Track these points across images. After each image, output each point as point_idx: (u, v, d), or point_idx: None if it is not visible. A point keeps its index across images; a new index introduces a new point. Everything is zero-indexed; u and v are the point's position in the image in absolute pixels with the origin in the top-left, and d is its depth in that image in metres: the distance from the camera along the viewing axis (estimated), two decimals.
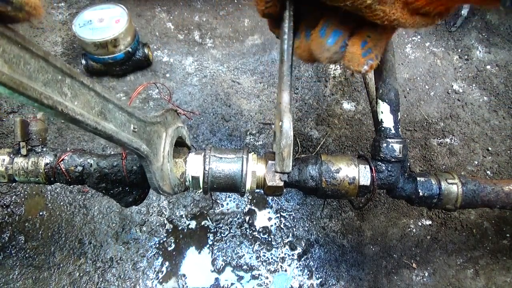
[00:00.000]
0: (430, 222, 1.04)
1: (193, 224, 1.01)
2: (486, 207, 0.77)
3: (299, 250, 0.99)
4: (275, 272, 0.97)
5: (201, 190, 0.65)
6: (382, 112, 0.71)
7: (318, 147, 1.10)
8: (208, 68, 1.22)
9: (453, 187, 0.72)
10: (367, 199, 0.72)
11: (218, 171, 0.63)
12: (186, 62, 1.23)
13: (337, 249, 1.00)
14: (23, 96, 0.32)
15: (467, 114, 1.18)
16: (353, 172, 0.66)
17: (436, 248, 1.01)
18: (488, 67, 1.26)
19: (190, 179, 0.64)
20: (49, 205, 1.00)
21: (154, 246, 0.98)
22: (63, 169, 0.65)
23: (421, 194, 0.72)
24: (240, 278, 0.96)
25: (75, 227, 0.98)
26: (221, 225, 1.01)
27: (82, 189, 1.02)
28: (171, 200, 1.02)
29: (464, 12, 1.27)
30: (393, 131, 0.70)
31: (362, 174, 0.66)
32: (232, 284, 0.95)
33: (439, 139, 1.14)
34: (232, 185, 0.64)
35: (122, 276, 0.94)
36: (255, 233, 1.00)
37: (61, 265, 0.94)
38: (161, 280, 0.94)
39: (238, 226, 1.01)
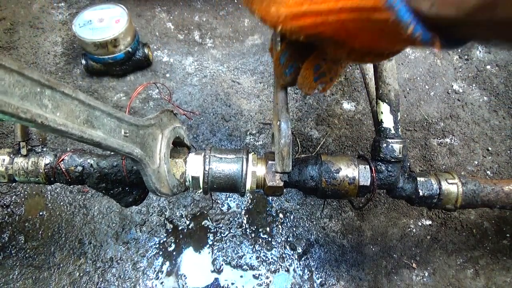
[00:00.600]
0: (430, 222, 1.04)
1: (193, 224, 1.01)
2: (486, 207, 0.77)
3: (299, 250, 0.99)
4: (275, 272, 0.97)
5: (201, 190, 0.65)
6: (382, 112, 0.71)
7: (318, 147, 1.10)
8: (208, 68, 1.22)
9: (453, 187, 0.72)
10: (367, 199, 0.72)
11: (218, 171, 0.63)
12: (186, 62, 1.23)
13: (337, 249, 1.00)
14: None
15: (467, 114, 1.18)
16: (353, 172, 0.66)
17: (436, 248, 1.01)
18: (488, 67, 1.26)
19: (190, 179, 0.64)
20: (49, 205, 1.00)
21: (154, 246, 0.98)
22: (63, 169, 0.66)
23: (421, 194, 0.72)
24: (240, 278, 0.96)
25: (75, 227, 0.98)
26: (221, 225, 1.01)
27: (82, 189, 1.02)
28: (171, 200, 1.02)
29: None
30: (393, 131, 0.70)
31: (362, 174, 0.66)
32: (232, 284, 0.95)
33: (439, 139, 1.14)
34: (232, 185, 0.64)
35: (122, 276, 0.94)
36: (255, 233, 1.01)
37: (61, 265, 0.94)
38: (161, 280, 0.94)
39: (238, 226, 1.01)
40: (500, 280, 0.97)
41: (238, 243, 0.99)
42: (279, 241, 1.00)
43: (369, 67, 0.85)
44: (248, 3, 0.42)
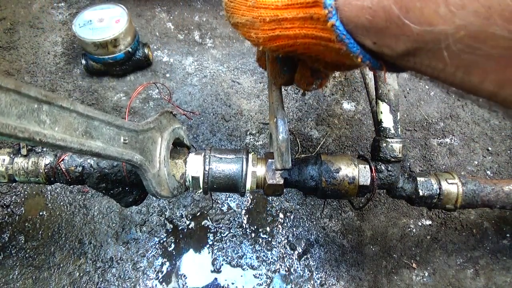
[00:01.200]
0: (430, 222, 1.04)
1: (193, 224, 1.01)
2: (486, 207, 0.77)
3: (299, 250, 0.99)
4: (275, 272, 0.97)
5: (201, 190, 0.65)
6: (381, 112, 0.71)
7: (318, 147, 1.10)
8: (208, 68, 1.22)
9: (453, 187, 0.72)
10: (367, 199, 0.72)
11: (218, 171, 0.63)
12: (186, 62, 1.23)
13: (337, 249, 1.00)
14: None
15: (467, 114, 1.18)
16: (353, 172, 0.66)
17: (436, 248, 1.01)
18: None
19: (190, 179, 0.64)
20: (49, 205, 1.00)
21: (154, 246, 0.98)
22: (63, 169, 0.66)
23: (421, 194, 0.72)
24: (240, 277, 0.96)
25: (75, 227, 0.99)
26: (221, 225, 1.01)
27: (82, 189, 1.02)
28: (171, 200, 1.03)
29: None
30: (392, 131, 0.70)
31: (362, 174, 0.66)
32: (232, 283, 0.95)
33: (439, 139, 1.14)
34: (232, 186, 0.64)
35: (122, 276, 0.94)
36: (255, 233, 1.01)
37: (61, 265, 0.94)
38: (161, 280, 0.94)
39: (238, 226, 1.01)
40: (500, 280, 0.97)
41: (238, 243, 0.99)
42: (279, 241, 1.00)
43: None
44: (235, 27, 0.48)
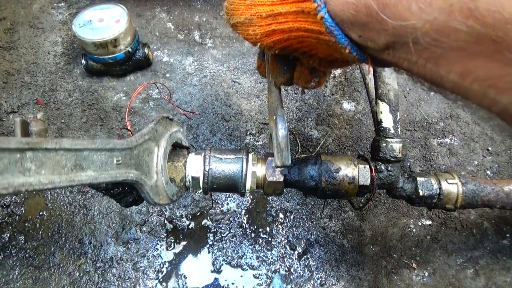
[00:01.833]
0: (430, 222, 1.04)
1: (193, 224, 1.01)
2: (486, 207, 0.77)
3: (299, 250, 0.99)
4: (275, 272, 0.97)
5: (201, 190, 0.65)
6: (381, 112, 0.71)
7: (318, 147, 1.10)
8: (208, 68, 1.22)
9: (453, 187, 0.72)
10: (367, 199, 0.72)
11: (218, 171, 0.63)
12: (186, 62, 1.23)
13: (337, 249, 1.00)
14: None
15: (467, 114, 1.18)
16: (352, 172, 0.66)
17: (436, 248, 1.01)
18: None
19: (190, 180, 0.64)
20: (49, 205, 1.00)
21: (154, 246, 0.98)
22: None
23: (421, 194, 0.72)
24: (240, 278, 0.96)
25: (75, 227, 0.99)
26: (221, 225, 1.01)
27: (82, 189, 1.02)
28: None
29: None
30: (392, 131, 0.70)
31: (361, 174, 0.66)
32: (232, 283, 0.95)
33: (439, 139, 1.14)
34: (232, 186, 0.64)
35: (122, 276, 0.94)
36: (255, 233, 1.01)
37: (61, 265, 0.94)
38: (161, 280, 0.94)
39: (238, 226, 1.01)
40: (500, 280, 0.97)
41: (238, 243, 0.99)
42: (279, 241, 1.00)
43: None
44: (234, 28, 0.51)
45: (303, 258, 0.99)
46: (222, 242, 0.99)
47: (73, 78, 1.17)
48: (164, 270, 0.95)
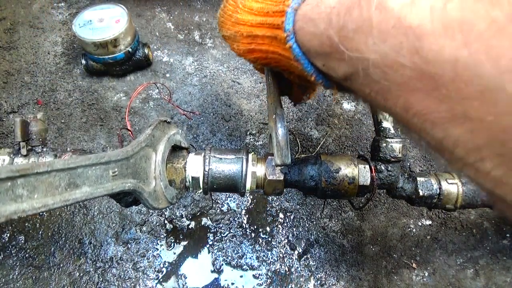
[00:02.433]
0: (430, 222, 1.04)
1: (193, 224, 1.01)
2: (486, 207, 0.77)
3: (299, 250, 0.99)
4: (275, 272, 0.97)
5: (201, 190, 0.65)
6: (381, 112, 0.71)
7: (318, 147, 1.10)
8: (208, 68, 1.22)
9: (453, 187, 0.72)
10: (367, 199, 0.72)
11: (218, 171, 0.63)
12: (186, 62, 1.23)
13: (337, 249, 1.00)
14: None
15: None
16: (352, 172, 0.66)
17: (436, 248, 1.01)
18: None
19: (190, 180, 0.64)
20: None
21: (154, 246, 0.98)
22: None
23: (421, 194, 0.72)
24: (240, 278, 0.96)
25: (75, 227, 0.99)
26: (221, 225, 1.01)
27: None
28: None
29: None
30: (392, 131, 0.70)
31: (361, 174, 0.66)
32: (232, 284, 0.95)
33: None
34: (232, 186, 0.64)
35: (122, 276, 0.94)
36: (255, 233, 1.01)
37: (61, 265, 0.94)
38: (161, 280, 0.94)
39: (238, 226, 1.01)
40: (500, 280, 0.97)
41: (238, 243, 0.99)
42: (279, 241, 1.00)
43: None
44: (224, 39, 0.55)
45: (303, 258, 0.99)
46: (222, 242, 0.99)
47: (73, 78, 1.17)
48: (164, 270, 0.95)
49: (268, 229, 1.01)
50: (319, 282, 0.96)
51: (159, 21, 1.30)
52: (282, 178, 0.64)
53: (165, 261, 0.96)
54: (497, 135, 0.22)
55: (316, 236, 1.01)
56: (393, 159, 0.68)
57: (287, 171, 0.65)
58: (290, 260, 0.98)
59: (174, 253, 0.97)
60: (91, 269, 0.94)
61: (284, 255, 0.98)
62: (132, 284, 0.93)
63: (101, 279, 0.93)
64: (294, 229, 1.02)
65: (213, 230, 1.00)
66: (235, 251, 0.98)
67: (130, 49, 1.09)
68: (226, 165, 0.64)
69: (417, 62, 0.25)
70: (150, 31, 1.28)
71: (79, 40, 1.04)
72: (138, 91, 1.10)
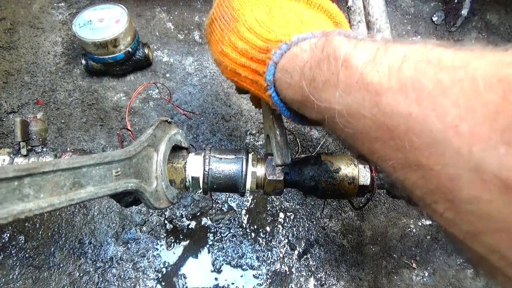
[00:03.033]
0: (430, 222, 1.04)
1: (193, 224, 1.01)
2: None
3: (299, 250, 0.99)
4: (275, 272, 0.97)
5: (201, 190, 0.65)
6: None
7: (318, 147, 1.10)
8: (208, 68, 1.22)
9: None
10: (367, 199, 0.72)
11: (218, 171, 0.63)
12: (186, 62, 1.23)
13: (337, 249, 1.00)
14: None
15: None
16: (352, 172, 0.66)
17: (436, 248, 1.01)
18: None
19: (190, 180, 0.64)
20: None
21: (154, 246, 0.98)
22: None
23: None
24: (240, 277, 0.96)
25: (75, 227, 0.99)
26: (221, 225, 1.01)
27: None
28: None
29: (464, 12, 1.27)
30: None
31: (361, 174, 0.66)
32: (232, 283, 0.95)
33: None
34: (232, 186, 0.64)
35: (122, 276, 0.94)
36: (255, 233, 1.01)
37: (61, 265, 0.94)
38: (161, 280, 0.94)
39: (238, 226, 1.01)
40: None
41: (238, 243, 0.99)
42: (279, 241, 1.00)
43: None
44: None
45: (303, 258, 0.99)
46: (222, 242, 0.99)
47: (73, 78, 1.17)
48: (164, 270, 0.95)
49: (268, 229, 1.01)
50: (319, 282, 0.96)
51: (159, 21, 1.30)
52: (282, 178, 0.64)
53: (165, 261, 0.96)
54: (445, 183, 0.24)
55: (316, 236, 1.01)
56: None
57: (287, 170, 0.65)
58: (290, 260, 0.98)
59: (174, 253, 0.97)
60: (91, 269, 0.94)
61: (284, 255, 0.98)
62: (132, 284, 0.93)
63: (101, 279, 0.93)
64: (294, 229, 1.02)
65: (213, 230, 1.00)
66: (235, 251, 0.98)
67: (130, 49, 1.09)
68: (226, 165, 0.63)
69: (376, 114, 0.28)
70: (150, 31, 1.28)
71: (79, 40, 1.04)
72: (138, 91, 1.10)
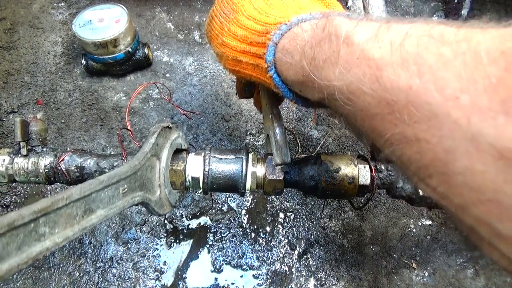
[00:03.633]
0: (430, 222, 1.04)
1: (193, 224, 1.01)
2: None
3: (299, 250, 0.99)
4: (276, 272, 0.97)
5: (201, 190, 0.65)
6: None
7: (318, 147, 1.10)
8: (208, 68, 1.22)
9: None
10: (367, 199, 0.72)
11: (218, 172, 0.63)
12: (186, 62, 1.23)
13: (337, 249, 1.00)
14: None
15: None
16: (352, 171, 0.66)
17: (436, 248, 1.01)
18: None
19: (190, 180, 0.64)
20: None
21: (154, 246, 0.98)
22: (64, 169, 0.66)
23: (421, 193, 0.72)
24: (240, 278, 0.96)
25: None
26: (221, 225, 1.01)
27: None
28: None
29: (464, 12, 1.27)
30: None
31: (361, 173, 0.66)
32: (232, 283, 0.95)
33: None
34: (232, 186, 0.64)
35: (122, 276, 0.94)
36: (255, 233, 1.01)
37: (61, 265, 0.94)
38: (161, 280, 0.94)
39: (238, 226, 1.01)
40: (500, 280, 0.97)
41: (238, 243, 0.99)
42: (279, 241, 1.00)
43: None
44: (213, 50, 0.60)
45: (303, 258, 0.99)
46: (222, 242, 0.99)
47: (73, 78, 1.17)
48: (164, 270, 0.95)
49: (268, 229, 1.01)
50: (319, 282, 0.96)
51: (159, 21, 1.30)
52: (282, 178, 0.64)
53: (165, 261, 0.96)
54: (440, 155, 0.25)
55: (316, 236, 1.01)
56: None
57: (287, 170, 0.65)
58: (290, 260, 0.98)
59: (174, 253, 0.97)
60: (91, 269, 0.94)
61: (284, 255, 0.98)
62: (132, 284, 0.93)
63: (101, 279, 0.93)
64: (294, 229, 1.02)
65: (213, 230, 1.00)
66: (235, 251, 0.98)
67: (130, 49, 1.09)
68: (226, 165, 0.64)
69: (376, 90, 0.28)
70: (150, 31, 1.28)
71: (79, 40, 1.04)
72: (138, 91, 1.10)
